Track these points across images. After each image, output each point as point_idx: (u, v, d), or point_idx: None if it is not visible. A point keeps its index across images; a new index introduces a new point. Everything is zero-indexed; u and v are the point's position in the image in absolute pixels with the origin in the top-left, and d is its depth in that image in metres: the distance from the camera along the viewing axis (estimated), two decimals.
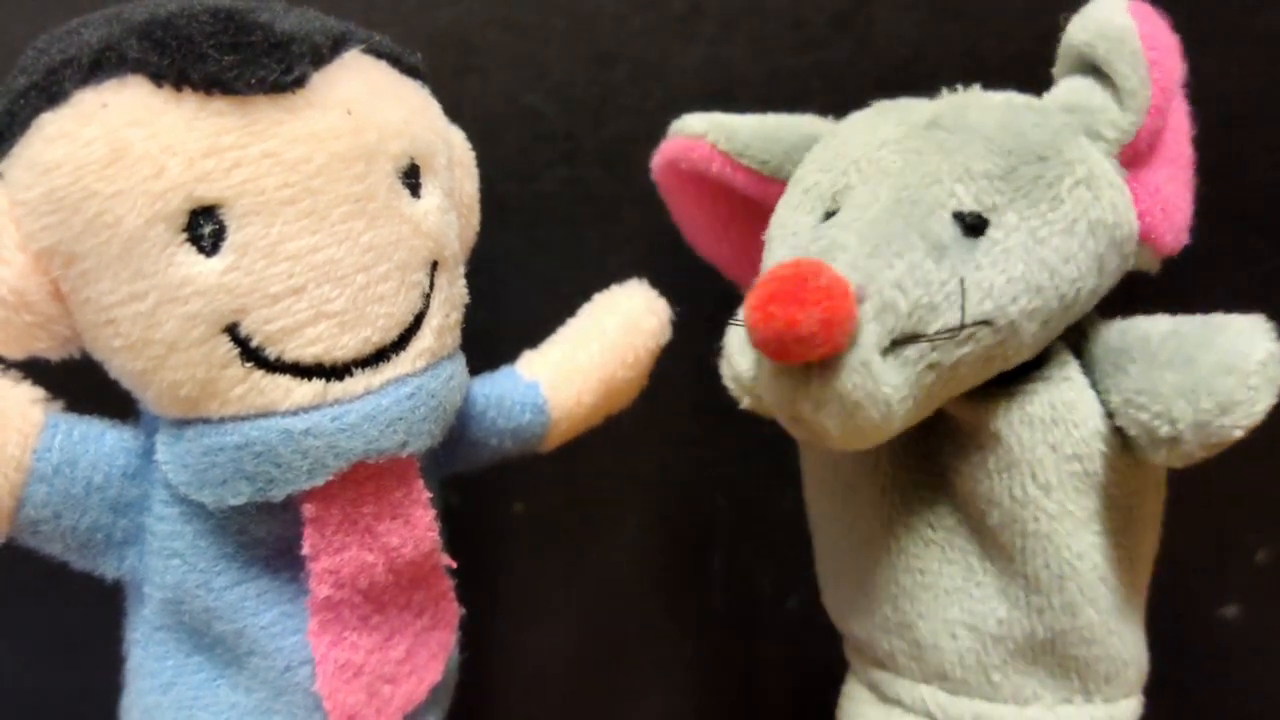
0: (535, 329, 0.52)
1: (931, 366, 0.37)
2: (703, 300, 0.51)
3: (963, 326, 0.37)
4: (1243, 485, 0.59)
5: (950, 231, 0.38)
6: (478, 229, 0.48)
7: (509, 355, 0.51)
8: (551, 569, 0.65)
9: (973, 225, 0.38)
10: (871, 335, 0.35)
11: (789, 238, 0.41)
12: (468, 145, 0.46)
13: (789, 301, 0.33)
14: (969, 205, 0.38)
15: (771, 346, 0.34)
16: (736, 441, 0.62)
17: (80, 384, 0.39)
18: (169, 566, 0.39)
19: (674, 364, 0.52)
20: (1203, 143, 0.44)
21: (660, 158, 0.50)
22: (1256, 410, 0.36)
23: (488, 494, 0.61)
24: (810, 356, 0.35)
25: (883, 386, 0.35)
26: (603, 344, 0.50)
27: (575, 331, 0.51)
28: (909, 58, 0.57)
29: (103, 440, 0.39)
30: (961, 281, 0.37)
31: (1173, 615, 0.45)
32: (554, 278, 0.60)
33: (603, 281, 0.53)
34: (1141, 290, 0.45)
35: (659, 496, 0.64)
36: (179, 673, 0.40)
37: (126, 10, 0.37)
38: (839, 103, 0.49)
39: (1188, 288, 0.46)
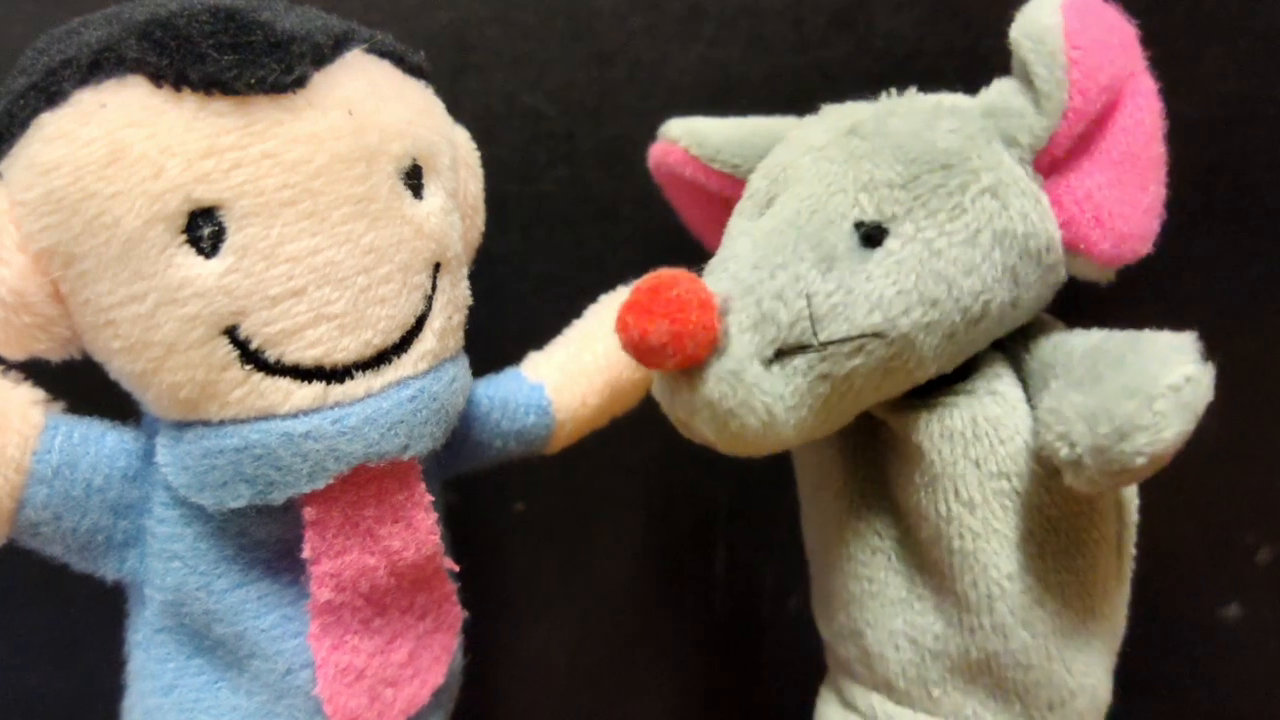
0: (534, 329, 0.52)
1: (823, 377, 0.37)
2: None
3: (824, 344, 0.36)
4: (1243, 485, 0.59)
5: (847, 242, 0.38)
6: (483, 230, 0.48)
7: (508, 355, 0.51)
8: (551, 569, 0.65)
9: (870, 235, 0.38)
10: (747, 345, 0.36)
11: (727, 242, 0.41)
12: (473, 145, 0.46)
13: (642, 313, 0.35)
14: (870, 215, 0.38)
15: (632, 354, 0.36)
16: None
17: (82, 385, 0.39)
18: (169, 569, 0.39)
19: None
20: (1203, 143, 0.44)
21: (650, 161, 0.51)
22: (1161, 438, 0.32)
23: (488, 494, 0.61)
24: (666, 366, 0.36)
25: (760, 396, 0.36)
26: (608, 345, 0.49)
27: (581, 333, 0.50)
28: (908, 57, 0.56)
29: (103, 442, 0.39)
30: (808, 298, 0.37)
31: (1173, 615, 0.45)
32: (553, 277, 0.60)
33: (602, 281, 0.53)
34: (1140, 291, 0.44)
35: (659, 496, 0.64)
36: (180, 675, 0.40)
37: (127, 10, 0.36)
38: (838, 102, 0.49)
39: (1187, 288, 0.46)
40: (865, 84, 0.56)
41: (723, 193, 0.48)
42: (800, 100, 0.53)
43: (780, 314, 0.36)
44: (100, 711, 0.46)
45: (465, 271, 0.43)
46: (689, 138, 0.48)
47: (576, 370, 0.49)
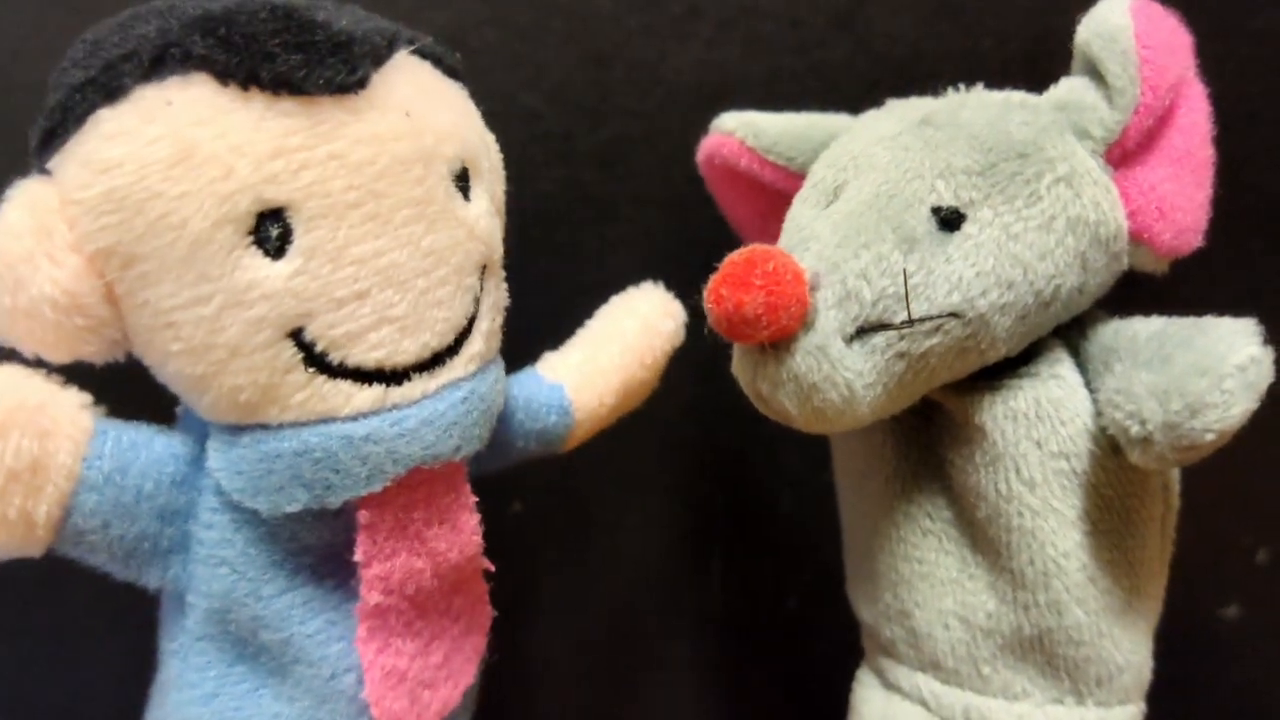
0: (532, 329, 0.51)
1: (900, 355, 0.38)
2: (701, 300, 0.51)
3: (911, 320, 0.38)
4: (1243, 485, 0.60)
5: (925, 225, 0.39)
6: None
7: (506, 354, 0.50)
8: (550, 569, 0.65)
9: (948, 220, 0.39)
10: (831, 321, 0.37)
11: (792, 229, 0.42)
12: (497, 148, 0.46)
13: (737, 285, 0.36)
14: (947, 200, 0.40)
15: (723, 326, 0.37)
16: (736, 441, 0.63)
17: (100, 386, 0.38)
18: (216, 575, 0.38)
19: (674, 364, 0.52)
20: None
21: (700, 154, 0.51)
22: (1230, 415, 0.34)
23: (487, 494, 0.60)
24: (758, 337, 0.37)
25: (842, 372, 0.37)
26: (623, 345, 0.50)
27: (595, 334, 0.51)
28: (907, 58, 0.57)
29: (152, 447, 0.38)
30: (905, 274, 0.38)
31: (1173, 615, 0.46)
32: (550, 278, 0.60)
33: (599, 281, 0.53)
34: (1141, 290, 0.46)
35: (659, 496, 0.64)
36: (222, 683, 0.39)
37: (178, 5, 0.35)
38: (837, 103, 0.51)
39: (1188, 288, 0.48)
40: (864, 85, 0.57)
41: (775, 185, 0.49)
42: (798, 101, 0.53)
43: (864, 292, 0.37)
44: (100, 710, 0.45)
45: (503, 274, 0.43)
46: (745, 129, 0.49)
47: (594, 371, 0.49)
